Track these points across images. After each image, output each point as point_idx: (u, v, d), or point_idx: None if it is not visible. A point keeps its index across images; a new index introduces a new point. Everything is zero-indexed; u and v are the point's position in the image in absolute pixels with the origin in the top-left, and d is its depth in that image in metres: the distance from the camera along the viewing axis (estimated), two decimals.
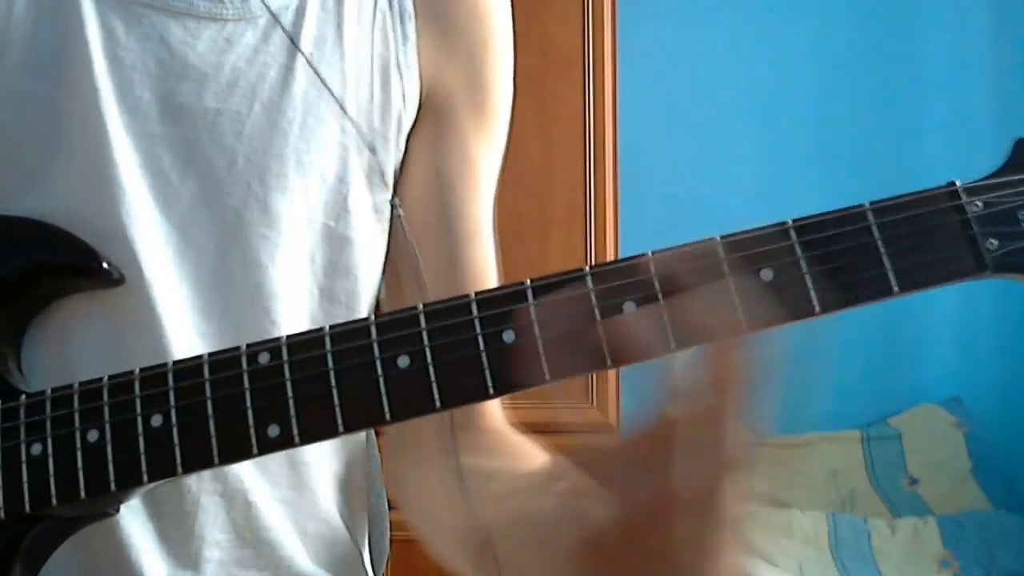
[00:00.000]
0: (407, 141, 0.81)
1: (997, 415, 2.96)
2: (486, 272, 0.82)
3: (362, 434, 0.85)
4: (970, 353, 3.03)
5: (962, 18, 3.07)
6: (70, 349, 0.69)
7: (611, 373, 0.59)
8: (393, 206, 0.78)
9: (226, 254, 0.72)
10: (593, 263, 2.36)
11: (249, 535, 0.75)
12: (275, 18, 0.73)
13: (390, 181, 0.79)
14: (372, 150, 0.77)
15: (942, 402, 2.92)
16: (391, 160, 0.79)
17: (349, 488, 0.83)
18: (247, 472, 0.74)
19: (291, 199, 0.73)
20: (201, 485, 0.72)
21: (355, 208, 0.77)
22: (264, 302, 0.73)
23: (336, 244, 0.76)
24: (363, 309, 0.79)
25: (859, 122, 3.07)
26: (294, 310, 0.74)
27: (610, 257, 2.54)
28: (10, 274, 0.66)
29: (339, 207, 0.76)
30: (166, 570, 0.71)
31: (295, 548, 0.77)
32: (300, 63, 0.74)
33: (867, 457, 2.88)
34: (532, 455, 0.78)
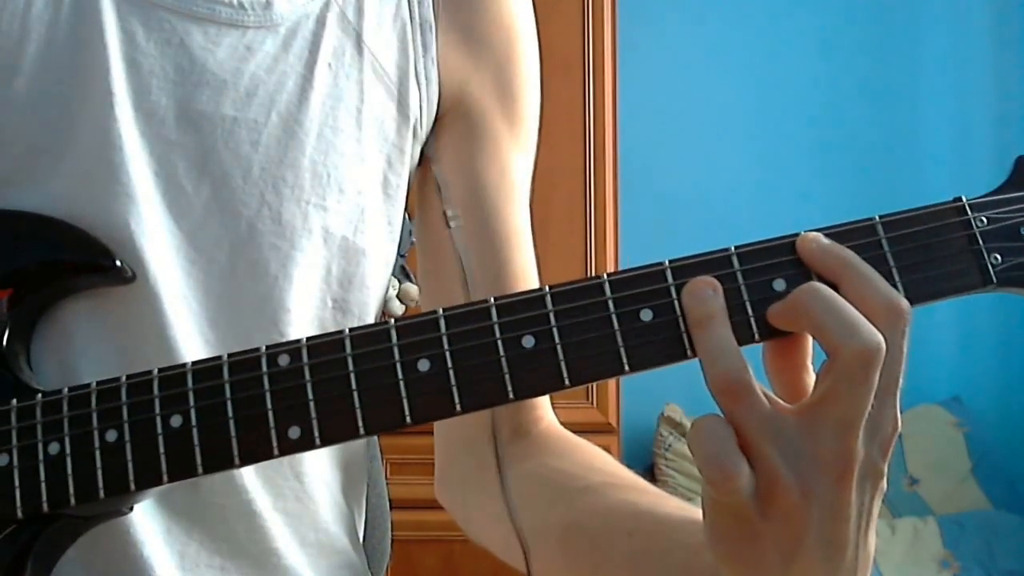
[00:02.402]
0: (435, 151, 0.81)
1: (997, 415, 2.97)
2: (529, 278, 0.82)
3: (359, 440, 0.85)
4: (970, 353, 3.04)
5: (962, 19, 3.07)
6: (74, 350, 0.68)
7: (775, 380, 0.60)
8: (448, 217, 0.78)
9: (237, 264, 0.71)
10: (594, 263, 2.35)
11: (253, 546, 0.74)
12: (295, 27, 0.73)
13: (403, 193, 0.79)
14: (388, 162, 0.77)
15: (942, 402, 2.92)
16: (405, 172, 0.79)
17: (348, 494, 0.83)
18: (252, 484, 0.74)
19: (306, 210, 0.73)
20: (206, 495, 0.72)
21: (370, 220, 0.77)
22: (272, 314, 0.72)
23: (352, 256, 0.76)
24: (371, 320, 0.78)
25: (859, 123, 3.07)
26: (304, 322, 0.74)
27: (610, 256, 2.55)
28: (24, 269, 0.66)
29: (356, 219, 0.75)
30: (175, 567, 0.71)
31: (297, 559, 0.77)
32: (318, 73, 0.74)
33: None
34: (594, 451, 0.80)
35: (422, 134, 0.80)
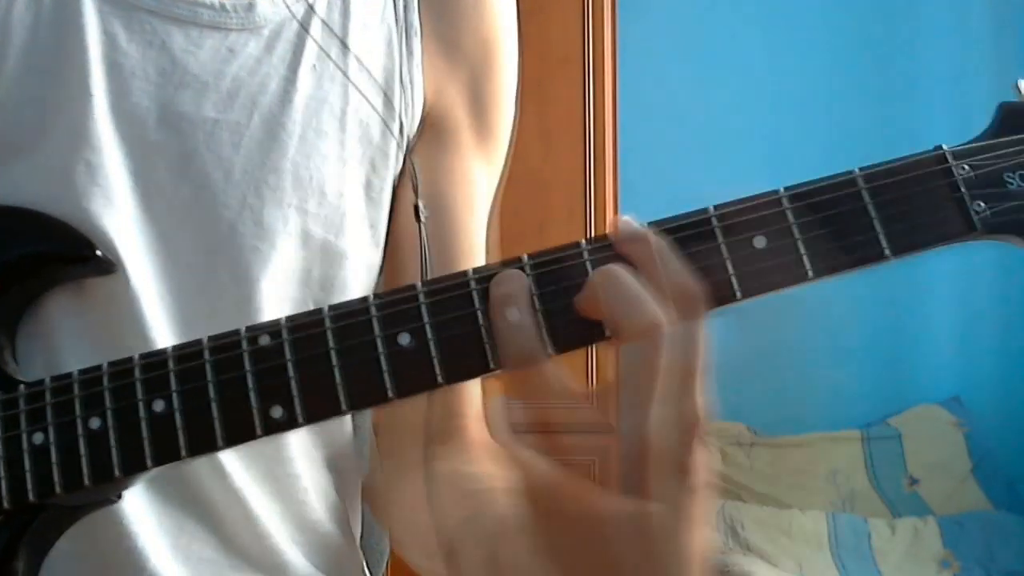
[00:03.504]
0: (407, 156, 0.80)
1: (997, 415, 2.96)
2: None
3: (350, 437, 0.85)
4: (970, 353, 3.04)
5: (963, 19, 3.07)
6: (58, 345, 0.68)
7: (612, 372, 0.59)
8: (419, 209, 0.77)
9: (215, 266, 0.71)
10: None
11: (245, 538, 0.75)
12: (278, 29, 0.73)
13: (387, 196, 0.79)
14: (372, 165, 0.77)
15: (942, 402, 2.92)
16: (389, 175, 0.79)
17: (342, 491, 0.83)
18: (242, 477, 0.74)
19: (287, 213, 0.72)
20: (198, 487, 0.72)
21: (352, 223, 0.76)
22: (251, 316, 0.71)
23: (334, 259, 0.75)
24: None
25: (860, 122, 3.08)
26: None
27: None
28: (8, 261, 0.66)
29: (338, 222, 0.75)
30: (170, 555, 0.71)
31: (291, 552, 0.77)
32: (302, 75, 0.73)
33: (867, 457, 2.89)
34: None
35: (406, 138, 0.79)
